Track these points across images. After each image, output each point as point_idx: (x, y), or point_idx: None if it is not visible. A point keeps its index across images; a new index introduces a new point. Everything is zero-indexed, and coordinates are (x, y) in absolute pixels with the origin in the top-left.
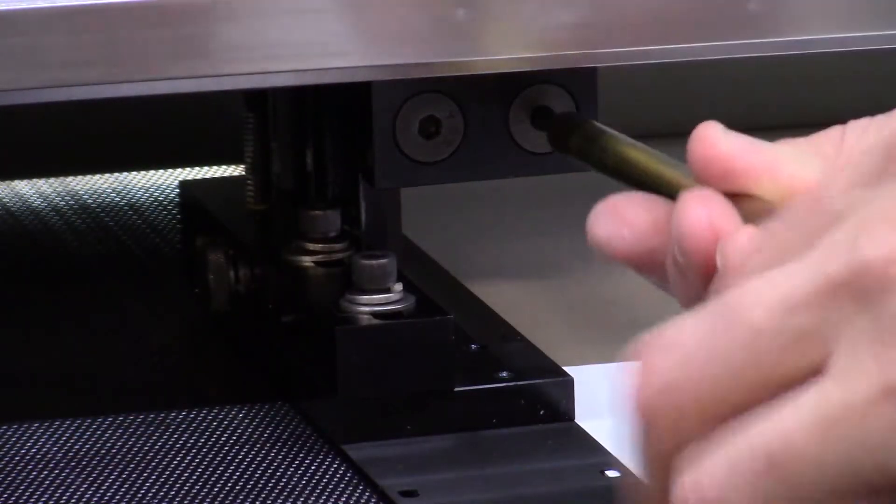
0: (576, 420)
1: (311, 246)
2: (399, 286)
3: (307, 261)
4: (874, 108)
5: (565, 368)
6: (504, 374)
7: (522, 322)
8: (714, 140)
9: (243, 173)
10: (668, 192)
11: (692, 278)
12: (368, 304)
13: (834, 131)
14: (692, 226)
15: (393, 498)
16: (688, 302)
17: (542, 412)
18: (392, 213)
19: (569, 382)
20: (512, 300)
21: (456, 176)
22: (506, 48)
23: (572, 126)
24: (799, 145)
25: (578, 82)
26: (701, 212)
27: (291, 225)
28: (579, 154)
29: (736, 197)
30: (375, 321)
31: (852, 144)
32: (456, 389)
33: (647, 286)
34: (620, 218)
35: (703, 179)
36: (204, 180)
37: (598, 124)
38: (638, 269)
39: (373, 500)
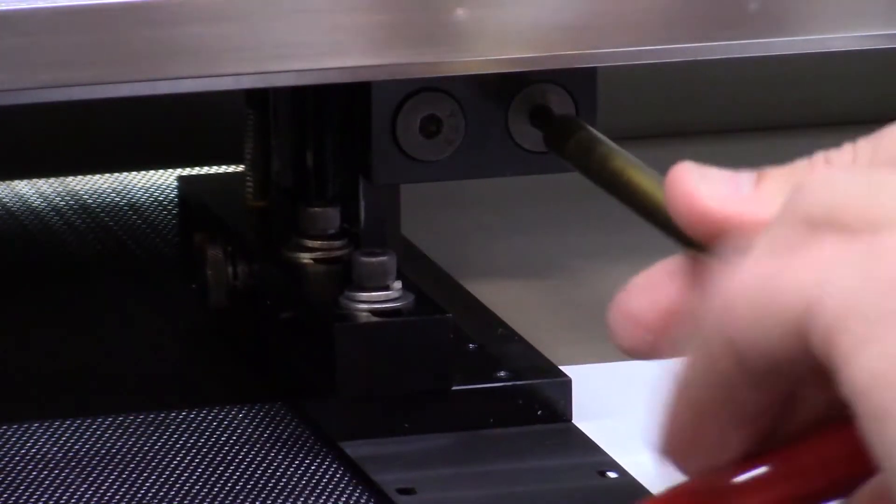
0: (573, 421)
1: (310, 243)
2: (398, 284)
3: (306, 258)
4: (874, 108)
5: (563, 368)
6: (502, 373)
7: (520, 322)
8: (693, 190)
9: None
10: (658, 216)
11: None
12: (367, 302)
13: (817, 160)
14: None
15: (390, 495)
16: None
17: (539, 412)
18: (391, 211)
19: (566, 383)
20: (510, 299)
21: (455, 174)
22: (506, 48)
23: (569, 131)
24: (779, 179)
25: (578, 82)
26: None
27: (290, 222)
28: (573, 160)
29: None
30: (374, 319)
31: None
32: (454, 389)
33: None
34: (636, 323)
35: (689, 231)
36: (202, 176)
37: (595, 132)
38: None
39: (371, 499)
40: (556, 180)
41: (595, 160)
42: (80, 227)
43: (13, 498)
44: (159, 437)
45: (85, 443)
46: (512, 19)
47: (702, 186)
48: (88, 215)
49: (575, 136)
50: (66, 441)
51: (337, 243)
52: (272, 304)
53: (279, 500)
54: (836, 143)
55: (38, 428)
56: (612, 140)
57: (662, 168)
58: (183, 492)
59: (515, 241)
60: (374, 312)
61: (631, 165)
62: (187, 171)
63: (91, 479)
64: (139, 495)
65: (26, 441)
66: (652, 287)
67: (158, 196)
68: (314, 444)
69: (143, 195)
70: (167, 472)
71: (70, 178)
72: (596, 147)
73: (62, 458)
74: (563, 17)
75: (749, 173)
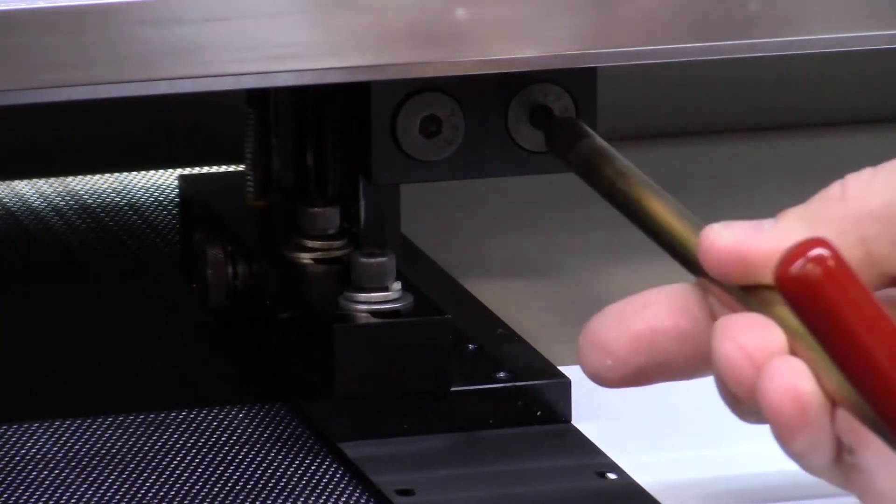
0: (573, 422)
1: (310, 243)
2: (398, 285)
3: (306, 258)
4: (874, 108)
5: (563, 368)
6: (501, 374)
7: (520, 322)
8: (717, 237)
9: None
10: (669, 239)
11: (740, 396)
12: (367, 303)
13: (833, 189)
14: (730, 362)
15: (389, 496)
16: (732, 403)
17: (538, 413)
18: (391, 211)
19: (566, 384)
20: (510, 300)
21: (455, 174)
22: (506, 48)
23: (573, 137)
24: (803, 215)
25: (578, 82)
26: (734, 346)
27: (290, 222)
28: (576, 166)
29: (756, 289)
30: (373, 319)
31: (858, 202)
32: (452, 389)
33: (645, 286)
34: (601, 348)
35: (724, 278)
36: (203, 175)
37: (600, 141)
38: (635, 384)
39: (371, 500)
40: (556, 180)
41: (604, 177)
42: (80, 227)
43: (13, 498)
44: (159, 437)
45: (85, 443)
46: (512, 19)
47: (725, 233)
48: (88, 215)
49: (578, 145)
50: (66, 441)
51: (337, 243)
52: (272, 304)
53: (279, 501)
54: (836, 144)
55: (38, 428)
56: (612, 141)
57: (664, 169)
58: (183, 492)
59: (515, 241)
60: (373, 313)
61: (638, 185)
62: (188, 171)
63: (91, 479)
64: (139, 495)
65: (26, 441)
66: (622, 317)
67: (158, 196)
68: (314, 444)
69: (143, 195)
70: (167, 472)
71: (70, 178)
72: (604, 163)
73: (62, 458)
74: (563, 17)
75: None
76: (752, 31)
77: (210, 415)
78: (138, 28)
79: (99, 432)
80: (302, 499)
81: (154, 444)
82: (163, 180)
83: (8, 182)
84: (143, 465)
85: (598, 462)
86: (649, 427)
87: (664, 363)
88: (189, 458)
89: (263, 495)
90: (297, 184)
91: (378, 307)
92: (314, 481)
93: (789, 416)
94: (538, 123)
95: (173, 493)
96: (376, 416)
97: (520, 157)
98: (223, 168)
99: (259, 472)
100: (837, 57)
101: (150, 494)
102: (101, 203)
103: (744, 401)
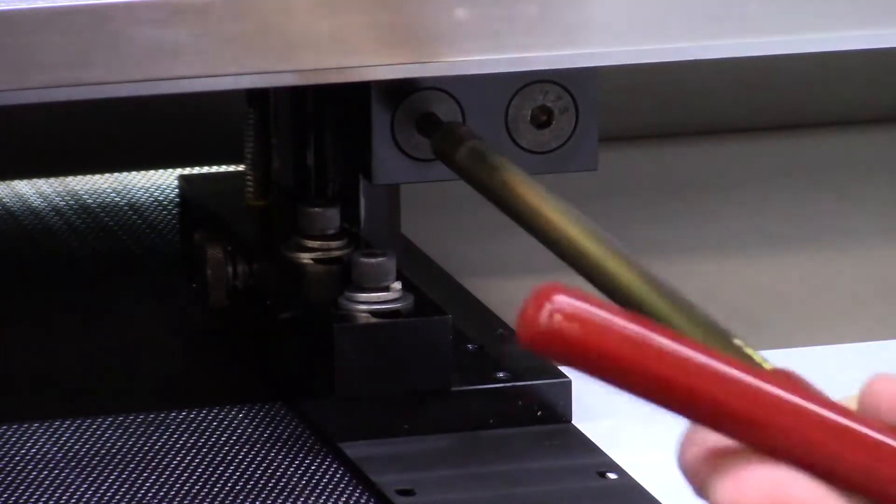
0: (573, 421)
1: (310, 243)
2: (398, 285)
3: (305, 258)
4: (874, 108)
5: (562, 369)
6: (501, 374)
7: None
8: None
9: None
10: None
11: None
12: (367, 303)
13: None
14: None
15: (389, 496)
16: None
17: (539, 413)
18: (391, 211)
19: (566, 384)
20: (510, 300)
21: (454, 173)
22: (506, 48)
23: (457, 140)
24: None
25: (578, 82)
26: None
27: (290, 221)
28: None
29: None
30: (373, 319)
31: None
32: (453, 389)
33: None
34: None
35: None
36: (203, 175)
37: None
38: None
39: (371, 500)
40: (556, 180)
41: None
42: (80, 227)
43: (13, 498)
44: (159, 437)
45: (85, 443)
46: (512, 19)
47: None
48: (88, 215)
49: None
50: (66, 441)
51: (336, 243)
52: (272, 304)
53: (279, 500)
54: (836, 144)
55: (38, 428)
56: (613, 141)
57: (664, 169)
58: (183, 492)
59: (515, 241)
60: (373, 313)
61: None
62: (188, 171)
63: (91, 479)
64: (139, 495)
65: (26, 441)
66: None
67: (158, 196)
68: (314, 444)
69: (143, 195)
70: (167, 472)
71: (70, 178)
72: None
73: (62, 458)
74: (563, 17)
75: None
76: (752, 31)
77: (210, 415)
78: (138, 28)
79: (99, 432)
80: (302, 499)
81: (154, 444)
82: (163, 180)
83: (8, 182)
84: (143, 465)
85: (598, 462)
86: (649, 427)
87: None
88: (189, 458)
89: (263, 495)
90: (297, 184)
91: (378, 307)
92: (314, 481)
93: None
94: (538, 123)
95: (173, 493)
96: (376, 416)
97: (520, 157)
98: (223, 168)
99: (259, 472)
100: (837, 57)
101: (150, 494)
102: (101, 203)
103: None
